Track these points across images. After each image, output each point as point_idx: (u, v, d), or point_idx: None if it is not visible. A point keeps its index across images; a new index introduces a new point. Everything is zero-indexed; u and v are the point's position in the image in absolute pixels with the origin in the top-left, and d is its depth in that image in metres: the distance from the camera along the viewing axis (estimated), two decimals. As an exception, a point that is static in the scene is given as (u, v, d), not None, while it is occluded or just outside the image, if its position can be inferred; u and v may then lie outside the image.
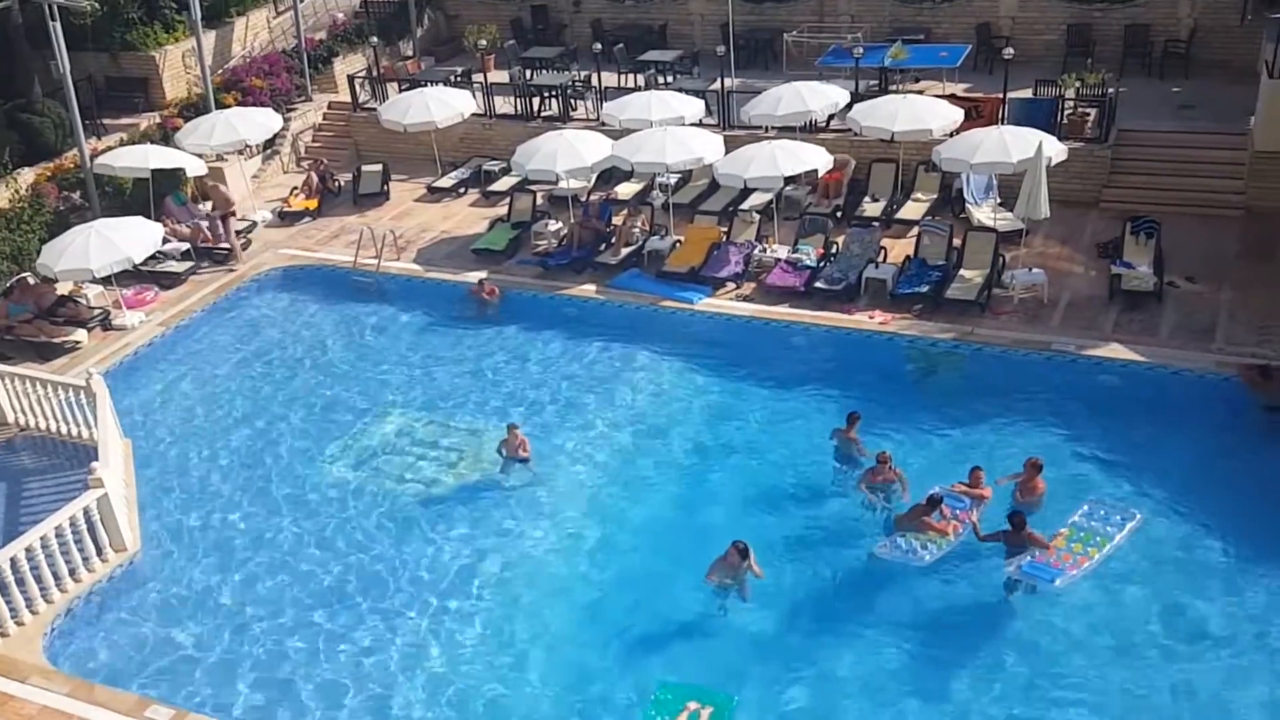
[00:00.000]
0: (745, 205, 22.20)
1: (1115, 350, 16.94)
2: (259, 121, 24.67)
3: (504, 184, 25.09)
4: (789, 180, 20.99)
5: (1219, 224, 20.55)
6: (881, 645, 12.51)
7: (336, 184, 25.98)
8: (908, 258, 19.59)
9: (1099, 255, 19.78)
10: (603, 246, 21.59)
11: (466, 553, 14.49)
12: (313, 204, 25.04)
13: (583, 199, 23.38)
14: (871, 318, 18.46)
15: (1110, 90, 22.38)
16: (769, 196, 21.94)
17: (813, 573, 13.61)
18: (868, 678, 12.13)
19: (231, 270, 22.39)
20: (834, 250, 20.18)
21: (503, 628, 13.28)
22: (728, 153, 20.92)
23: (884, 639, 12.59)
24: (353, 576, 14.26)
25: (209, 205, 24.64)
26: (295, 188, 25.55)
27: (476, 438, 16.78)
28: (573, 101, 26.44)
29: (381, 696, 12.43)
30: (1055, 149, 18.89)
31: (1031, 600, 12.88)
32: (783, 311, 19.05)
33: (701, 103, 23.53)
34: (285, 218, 24.74)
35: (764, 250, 20.47)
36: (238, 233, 23.54)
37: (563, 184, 22.53)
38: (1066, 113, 22.11)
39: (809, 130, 23.35)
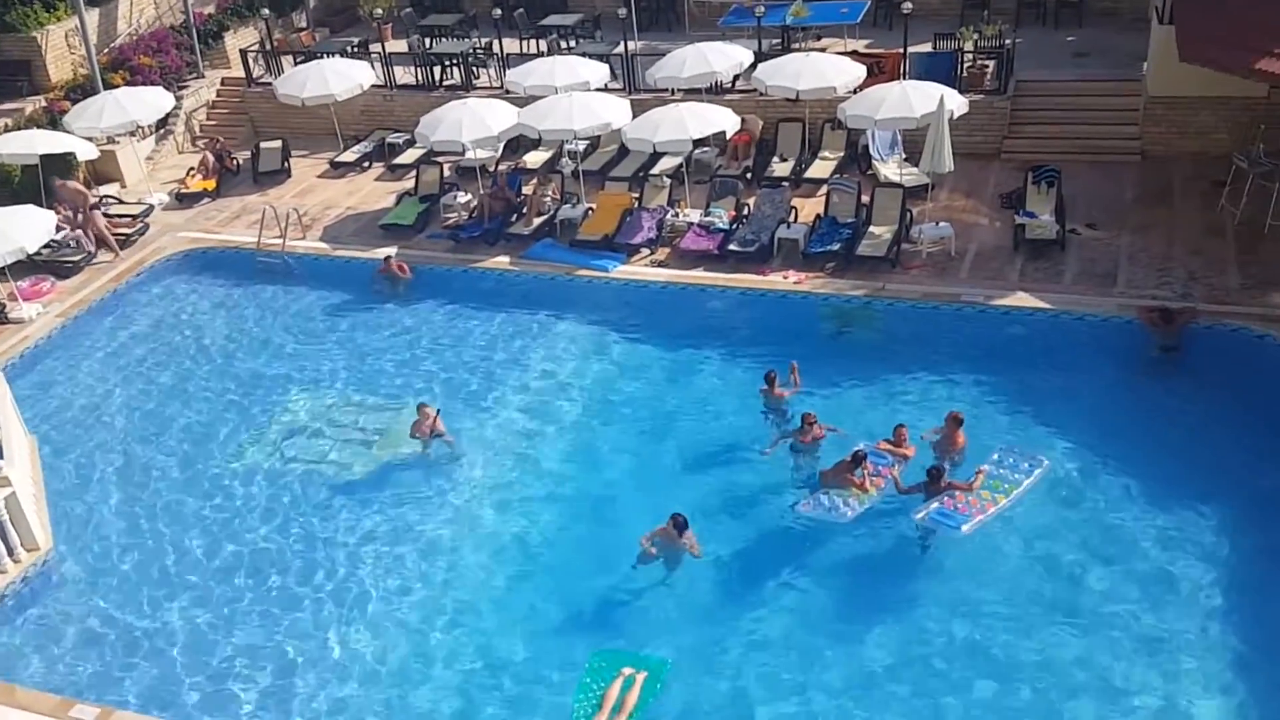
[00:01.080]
0: (655, 170, 22.14)
1: (1022, 299, 17.32)
2: (150, 101, 23.91)
3: (409, 156, 24.66)
4: (698, 143, 20.99)
5: (1116, 170, 21.09)
6: (809, 601, 12.69)
7: (235, 162, 25.29)
8: (818, 216, 19.76)
9: (1002, 206, 20.16)
10: (514, 217, 21.39)
11: (390, 533, 14.35)
12: (211, 184, 24.37)
13: (491, 169, 23.12)
14: (785, 278, 18.60)
15: (1007, 41, 22.77)
16: (679, 160, 21.94)
17: (740, 533, 13.72)
18: (796, 634, 12.31)
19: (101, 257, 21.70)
20: (745, 212, 20.26)
21: (430, 605, 13.20)
22: (635, 117, 20.82)
23: (811, 595, 12.77)
24: (273, 562, 14.04)
25: (101, 189, 23.89)
26: (192, 168, 24.81)
27: (395, 416, 16.56)
28: (475, 69, 26.05)
29: (307, 683, 12.26)
30: (956, 102, 19.14)
31: (949, 546, 13.16)
32: (698, 275, 19.10)
33: (606, 67, 23.37)
34: (183, 200, 24.04)
35: (676, 215, 20.47)
36: (134, 217, 22.85)
37: (470, 154, 22.25)
38: (966, 65, 22.43)
39: (715, 92, 23.35)
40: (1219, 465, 13.89)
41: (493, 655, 12.46)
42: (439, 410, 15.55)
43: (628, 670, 11.67)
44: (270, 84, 25.80)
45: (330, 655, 12.61)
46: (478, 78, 26.00)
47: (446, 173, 23.25)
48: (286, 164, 25.08)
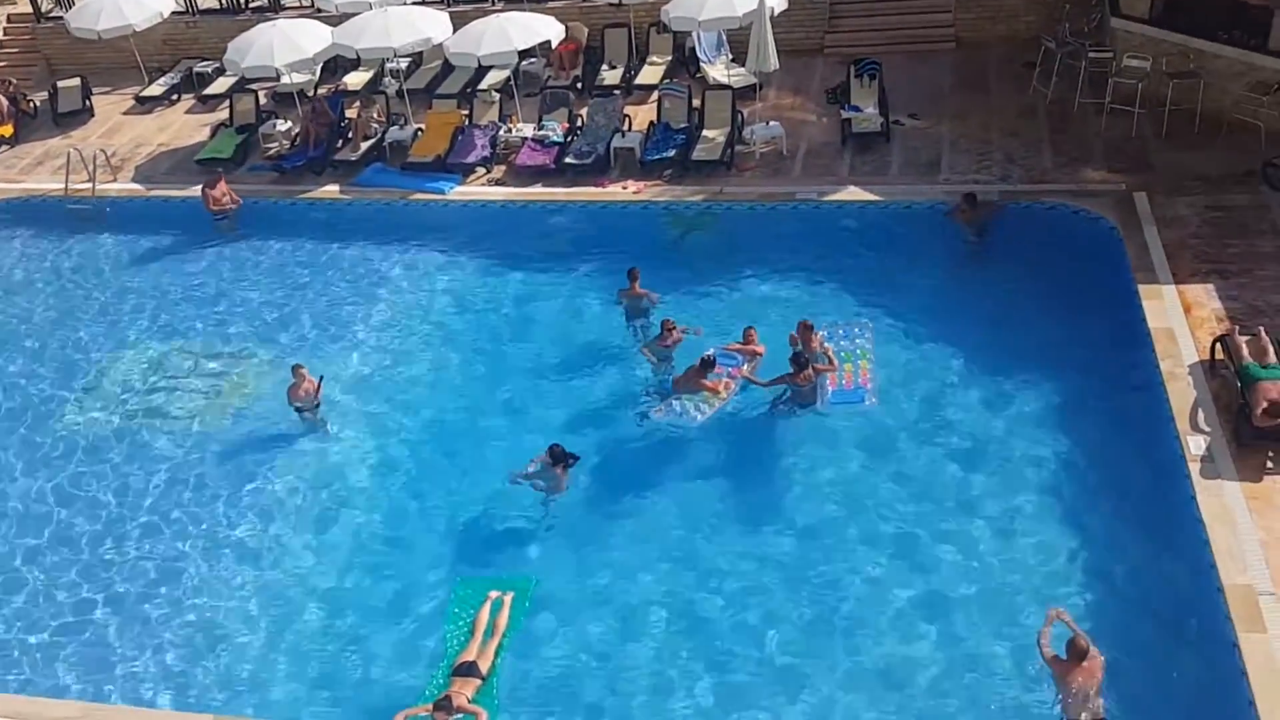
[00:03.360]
0: (483, 85, 21.65)
1: (853, 193, 17.70)
2: (-75, 44, 22.07)
3: (220, 86, 23.52)
4: (524, 54, 20.56)
5: (933, 58, 21.63)
6: (670, 505, 12.94)
7: (31, 105, 23.74)
8: (651, 124, 19.68)
9: (828, 101, 20.47)
10: (339, 143, 20.66)
11: (237, 480, 13.98)
12: (7, 130, 22.80)
13: (310, 94, 22.22)
14: (625, 188, 18.55)
15: (822, -65, 22.88)
16: (506, 73, 21.49)
17: (599, 446, 13.77)
18: (660, 539, 12.55)
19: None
20: (579, 123, 20.04)
21: (285, 553, 12.96)
22: (456, 30, 20.21)
23: (671, 498, 13.02)
24: (121, 525, 13.53)
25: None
26: (-16, 114, 23.14)
27: (238, 363, 16.04)
28: (282, -12, 24.87)
29: (169, 651, 11.95)
30: (776, -1, 19.22)
31: (796, 435, 13.66)
32: (537, 192, 18.87)
33: (421, -22, 22.57)
34: (-23, 149, 22.47)
35: (509, 130, 20.09)
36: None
37: (285, 79, 21.31)
38: (783, -39, 22.46)
39: (536, 0, 22.85)
40: (1044, 333, 14.66)
41: (356, 600, 12.30)
42: (322, 378, 14.65)
43: (494, 593, 11.69)
44: (61, 18, 24.12)
45: (195, 619, 12.33)
46: (286, -4, 24.86)
47: (262, 100, 22.25)
48: (88, 103, 23.62)
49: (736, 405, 14.02)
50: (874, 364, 14.26)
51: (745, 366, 14.29)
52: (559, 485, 12.94)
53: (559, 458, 12.87)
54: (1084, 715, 9.62)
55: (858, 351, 14.44)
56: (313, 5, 23.15)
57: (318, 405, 14.57)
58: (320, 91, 22.41)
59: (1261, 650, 9.72)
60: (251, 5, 24.80)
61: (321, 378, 14.65)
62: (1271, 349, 12.33)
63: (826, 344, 14.33)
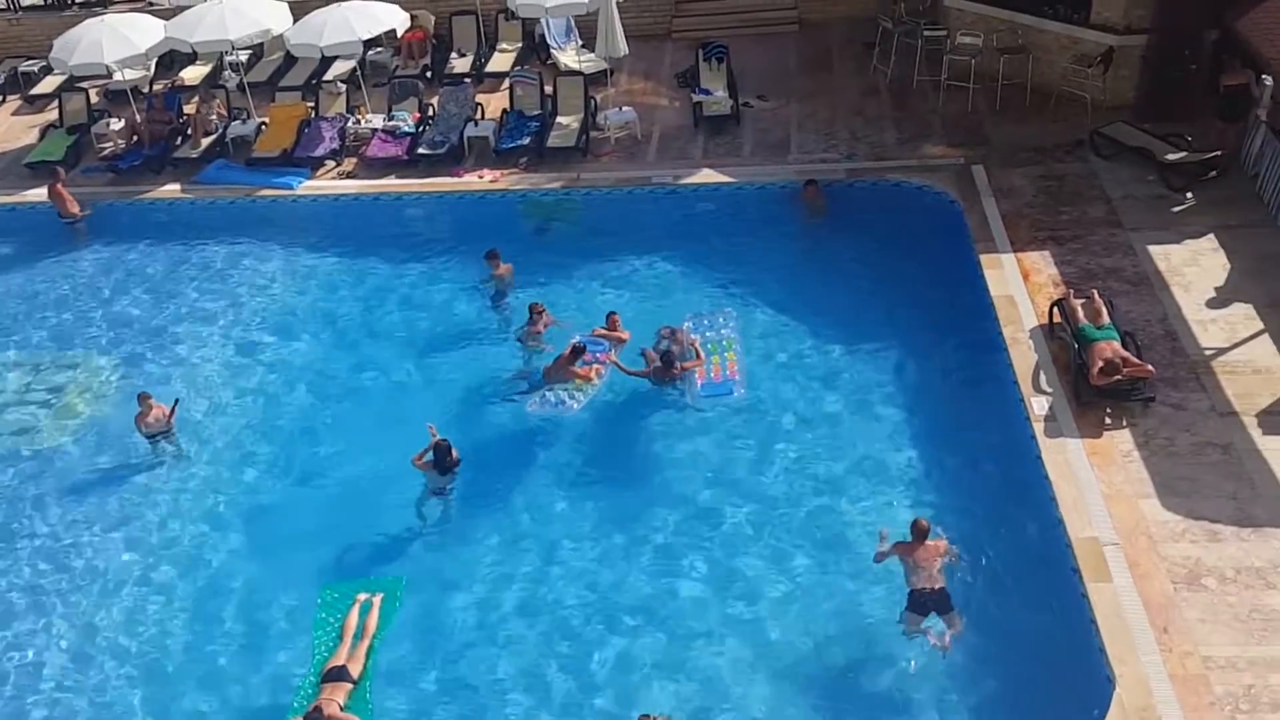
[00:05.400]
0: (328, 76, 21.16)
1: (707, 175, 17.91)
2: None
3: (48, 85, 22.54)
4: (369, 44, 20.15)
5: (779, 41, 22.04)
6: (548, 496, 12.92)
7: None
8: (505, 111, 19.55)
9: (679, 85, 20.68)
10: (179, 140, 19.92)
11: (83, 499, 13.39)
12: None
13: (145, 90, 21.36)
14: (480, 177, 18.38)
15: (663, -81, 23.01)
16: (352, 64, 21.03)
17: (476, 440, 13.56)
18: (540, 530, 12.54)
19: None
20: (430, 113, 19.76)
21: (151, 566, 12.51)
22: (296, 21, 19.67)
23: (551, 489, 12.99)
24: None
25: None
26: None
27: (75, 378, 15.33)
28: (109, -19, 23.79)
29: (28, 684, 11.44)
30: (622, -17, 19.22)
31: (672, 419, 13.77)
32: (390, 184, 18.54)
33: (256, -32, 21.83)
34: None
35: (358, 121, 19.70)
36: None
37: (118, 76, 20.41)
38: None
39: (379, -12, 22.37)
40: (895, 305, 15.11)
41: (218, 615, 11.93)
42: (177, 402, 14.00)
43: (363, 596, 11.49)
44: None
45: (52, 646, 11.83)
46: (114, -10, 23.80)
47: (94, 99, 21.31)
48: (-97, 106, 22.26)
49: (610, 391, 14.08)
50: (740, 354, 14.38)
51: (613, 351, 14.38)
52: (439, 485, 12.80)
53: (441, 455, 12.59)
54: (926, 585, 10.67)
55: (724, 343, 14.54)
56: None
57: (170, 430, 13.94)
58: (156, 88, 21.57)
59: (1108, 599, 10.25)
60: (77, 1, 23.65)
61: (177, 401, 14.03)
62: (1105, 310, 13.00)
63: (693, 336, 14.47)
